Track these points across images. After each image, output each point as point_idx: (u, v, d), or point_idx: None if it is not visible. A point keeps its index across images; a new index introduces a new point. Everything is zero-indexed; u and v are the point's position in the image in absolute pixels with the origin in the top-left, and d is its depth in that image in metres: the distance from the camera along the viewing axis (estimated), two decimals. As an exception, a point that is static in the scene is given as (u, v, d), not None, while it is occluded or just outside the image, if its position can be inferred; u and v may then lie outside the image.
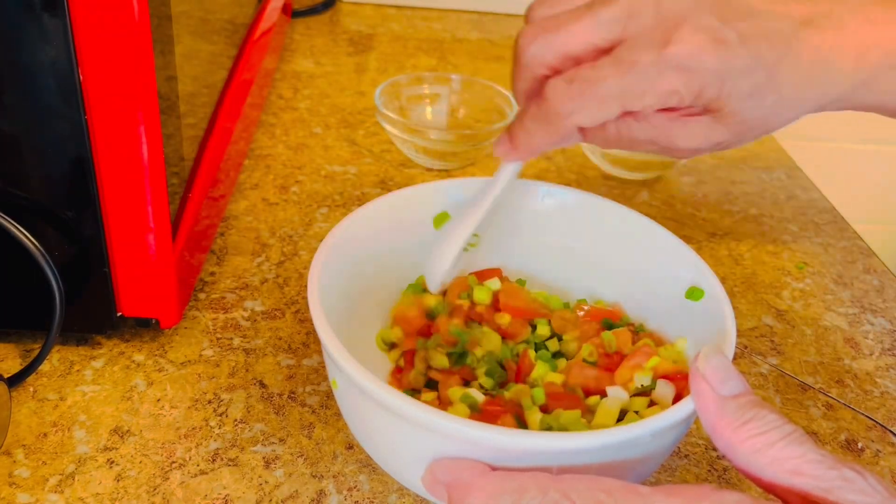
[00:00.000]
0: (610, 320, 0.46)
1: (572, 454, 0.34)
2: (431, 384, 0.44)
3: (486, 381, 0.42)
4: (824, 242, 0.66)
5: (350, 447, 0.44)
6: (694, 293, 0.43)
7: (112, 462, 0.41)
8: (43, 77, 0.38)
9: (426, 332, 0.45)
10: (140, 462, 0.42)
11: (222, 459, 0.42)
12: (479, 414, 0.39)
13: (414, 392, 0.44)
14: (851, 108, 0.44)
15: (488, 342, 0.44)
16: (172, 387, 0.46)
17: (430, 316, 0.47)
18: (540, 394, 0.40)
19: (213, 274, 0.55)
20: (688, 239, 0.63)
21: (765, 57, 0.40)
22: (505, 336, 0.45)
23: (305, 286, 0.53)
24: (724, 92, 0.40)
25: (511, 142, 0.44)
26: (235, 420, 0.44)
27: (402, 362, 0.46)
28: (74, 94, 0.39)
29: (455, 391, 0.40)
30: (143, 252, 0.44)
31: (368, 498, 0.41)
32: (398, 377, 0.45)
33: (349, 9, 1.03)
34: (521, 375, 0.43)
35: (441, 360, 0.43)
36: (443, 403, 0.40)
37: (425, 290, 0.47)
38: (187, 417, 0.44)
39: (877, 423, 0.49)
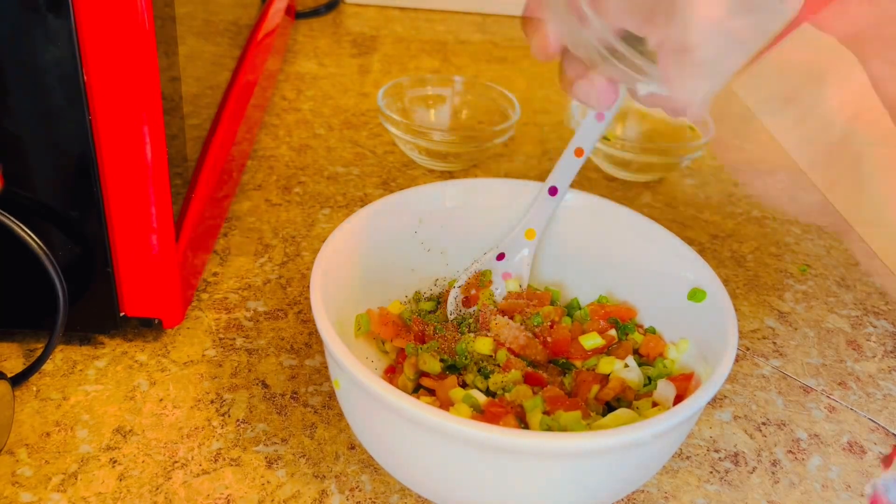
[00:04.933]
0: (617, 319, 0.46)
1: (573, 455, 0.34)
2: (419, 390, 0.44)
3: (480, 382, 0.42)
4: (827, 245, 0.66)
5: (352, 447, 0.44)
6: (696, 295, 0.43)
7: (115, 461, 0.42)
8: (47, 77, 0.38)
9: (420, 338, 0.45)
10: (143, 462, 0.42)
11: (224, 459, 0.42)
12: (482, 415, 0.39)
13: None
14: None
15: (481, 347, 0.43)
16: (175, 387, 0.46)
17: (426, 320, 0.46)
18: (538, 402, 0.40)
19: (215, 274, 0.55)
20: (690, 241, 0.63)
21: None
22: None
23: (308, 287, 0.53)
24: None
25: None
26: (238, 420, 0.45)
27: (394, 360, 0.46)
28: (79, 95, 0.39)
29: (457, 392, 0.40)
30: (146, 252, 0.44)
31: (370, 498, 0.41)
32: (390, 377, 0.44)
33: (352, 10, 1.03)
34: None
35: (434, 365, 0.42)
36: (443, 405, 0.40)
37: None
38: (190, 417, 0.44)
39: (879, 424, 0.49)
